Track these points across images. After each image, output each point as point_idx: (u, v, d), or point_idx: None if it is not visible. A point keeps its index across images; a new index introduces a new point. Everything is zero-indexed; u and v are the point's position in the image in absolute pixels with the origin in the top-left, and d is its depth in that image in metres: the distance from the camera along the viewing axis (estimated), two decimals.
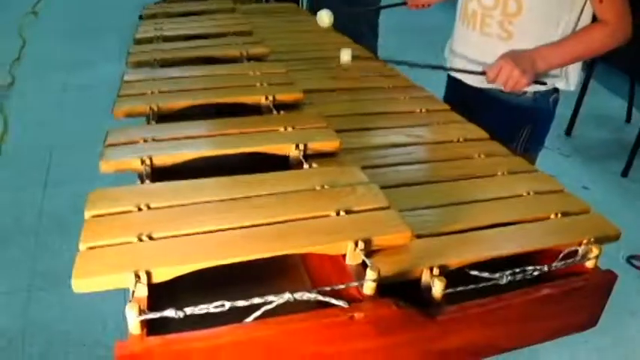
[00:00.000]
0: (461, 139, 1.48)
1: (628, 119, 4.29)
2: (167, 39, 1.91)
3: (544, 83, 1.78)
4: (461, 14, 1.91)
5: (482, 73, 1.75)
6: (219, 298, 0.87)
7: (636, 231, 2.96)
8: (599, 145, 3.99)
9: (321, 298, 0.91)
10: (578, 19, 1.76)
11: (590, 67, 3.92)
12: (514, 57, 1.70)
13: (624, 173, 3.63)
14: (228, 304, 0.87)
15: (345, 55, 1.71)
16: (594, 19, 1.75)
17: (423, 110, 1.63)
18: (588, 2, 1.73)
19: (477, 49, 1.84)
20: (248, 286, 0.98)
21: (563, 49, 1.75)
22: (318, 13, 2.07)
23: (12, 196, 3.19)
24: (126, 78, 1.64)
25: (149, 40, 1.92)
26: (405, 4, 2.28)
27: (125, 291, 0.91)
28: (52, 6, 5.86)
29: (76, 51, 4.90)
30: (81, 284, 0.88)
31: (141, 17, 2.19)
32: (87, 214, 1.03)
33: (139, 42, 1.93)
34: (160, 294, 0.94)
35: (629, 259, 2.86)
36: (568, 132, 4.05)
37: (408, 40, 4.76)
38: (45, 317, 2.41)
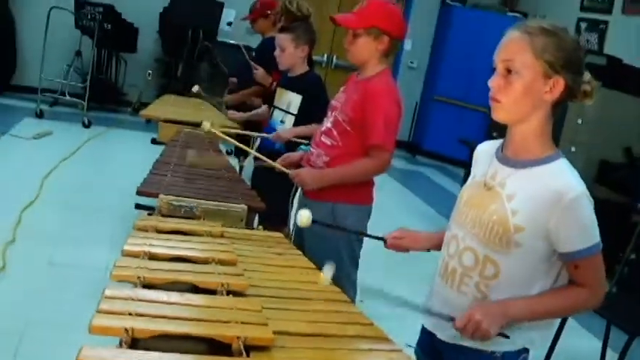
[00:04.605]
0: None
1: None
2: (153, 257, 1.97)
3: (506, 336, 1.80)
4: (441, 270, 1.97)
5: (452, 319, 1.80)
6: None
7: None
8: None
9: None
10: (554, 283, 1.82)
11: None
12: (485, 310, 1.75)
13: None
14: None
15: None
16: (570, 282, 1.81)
17: None
18: (564, 269, 1.80)
19: (453, 307, 1.88)
20: None
21: (536, 306, 1.79)
22: (300, 212, 2.30)
23: None
24: (107, 293, 1.66)
25: (136, 255, 1.97)
26: (383, 240, 2.27)
27: None
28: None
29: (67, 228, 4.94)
30: None
31: None
32: None
33: (126, 254, 1.98)
34: None
35: None
36: None
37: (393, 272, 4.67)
38: None
